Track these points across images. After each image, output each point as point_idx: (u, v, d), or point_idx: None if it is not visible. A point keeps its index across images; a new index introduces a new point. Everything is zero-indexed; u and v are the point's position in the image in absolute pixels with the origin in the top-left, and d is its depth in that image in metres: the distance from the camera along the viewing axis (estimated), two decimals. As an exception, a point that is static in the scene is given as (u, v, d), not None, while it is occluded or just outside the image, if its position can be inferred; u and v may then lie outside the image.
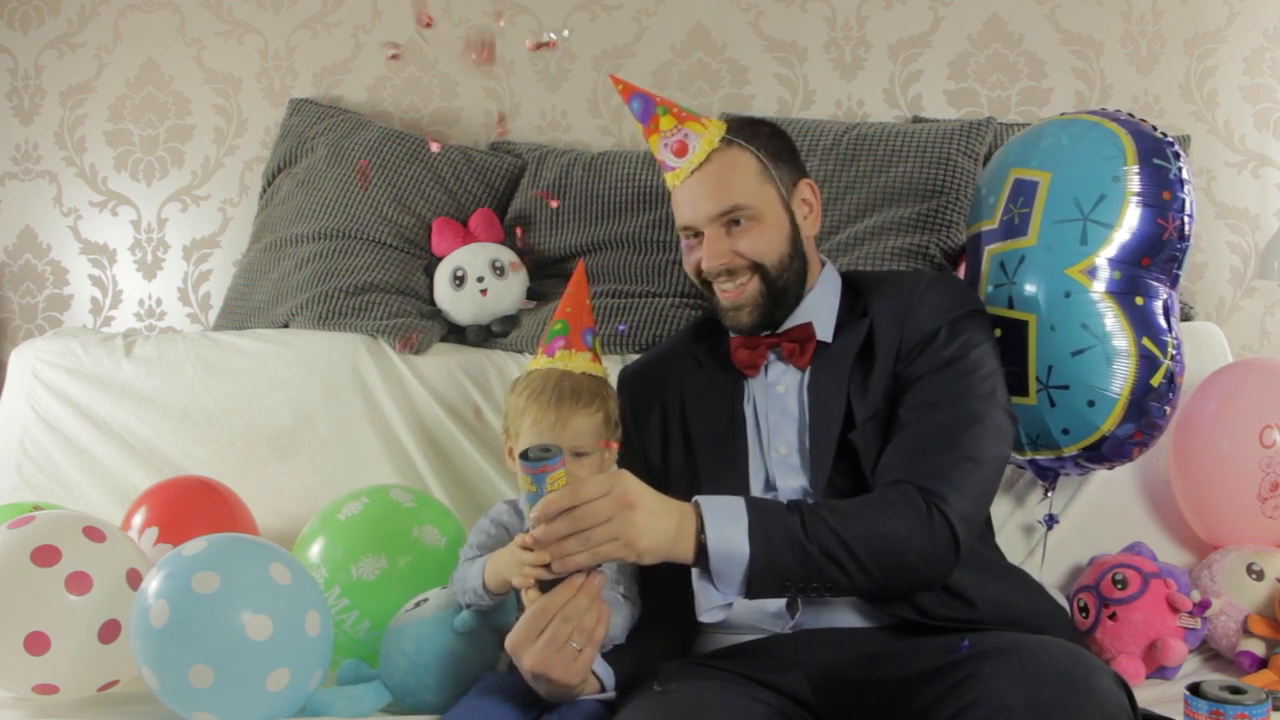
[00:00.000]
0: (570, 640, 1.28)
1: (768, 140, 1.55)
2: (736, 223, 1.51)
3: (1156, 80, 2.32)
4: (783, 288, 1.53)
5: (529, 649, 1.29)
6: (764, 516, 1.29)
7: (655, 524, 1.26)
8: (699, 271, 1.56)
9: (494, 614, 1.53)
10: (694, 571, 1.31)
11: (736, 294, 1.53)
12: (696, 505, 1.30)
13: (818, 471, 1.45)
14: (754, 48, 2.42)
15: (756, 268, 1.51)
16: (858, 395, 1.47)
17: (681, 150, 1.52)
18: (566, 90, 2.48)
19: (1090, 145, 1.67)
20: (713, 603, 1.29)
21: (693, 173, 1.51)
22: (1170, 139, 1.68)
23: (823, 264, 1.62)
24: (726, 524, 1.28)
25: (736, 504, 1.30)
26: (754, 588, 1.29)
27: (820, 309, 1.56)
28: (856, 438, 1.45)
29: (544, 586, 1.30)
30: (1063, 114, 1.81)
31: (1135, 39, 2.32)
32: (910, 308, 1.50)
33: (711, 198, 1.50)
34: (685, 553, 1.28)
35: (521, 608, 1.35)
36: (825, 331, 1.54)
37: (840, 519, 1.31)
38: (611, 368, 1.70)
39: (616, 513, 1.23)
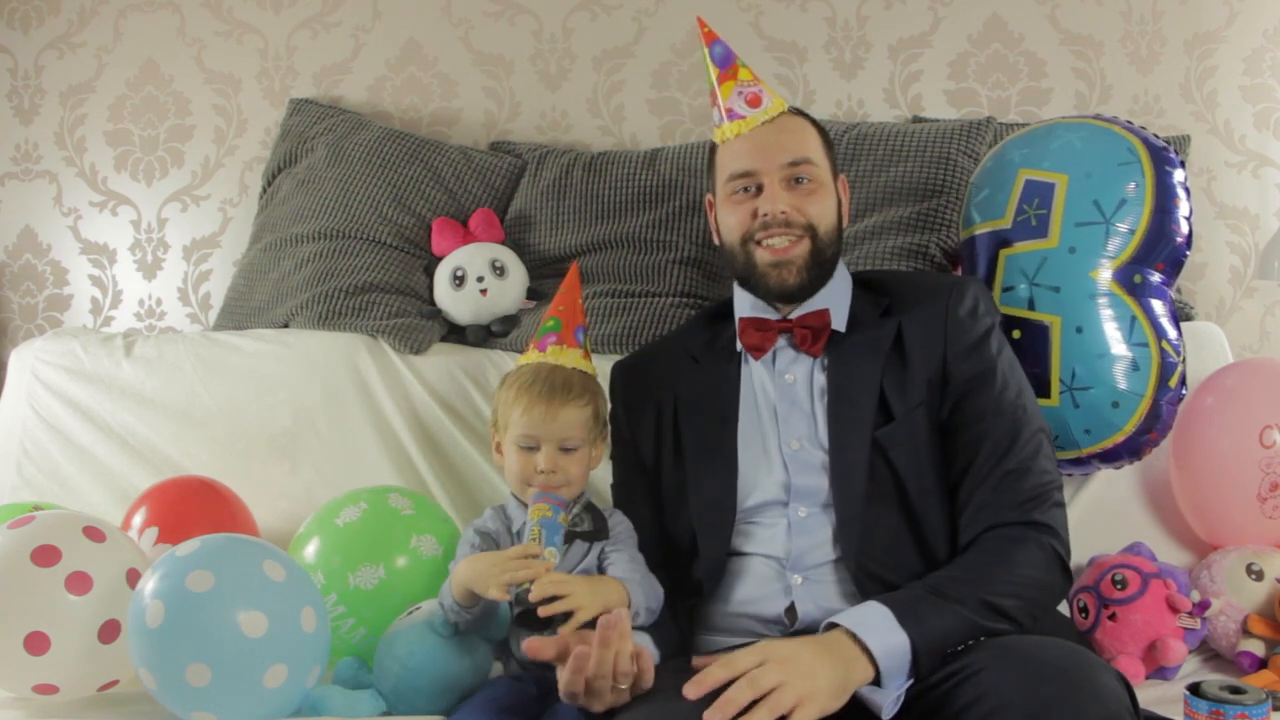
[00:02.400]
0: (617, 683, 1.26)
1: (821, 130, 1.60)
2: (798, 181, 1.53)
3: (1156, 80, 2.31)
4: (826, 260, 1.54)
5: (585, 700, 1.26)
6: (903, 605, 1.28)
7: (820, 665, 1.21)
8: (749, 224, 1.53)
9: (485, 628, 1.51)
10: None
11: (786, 250, 1.51)
12: (835, 625, 1.27)
13: (839, 470, 1.44)
14: (754, 47, 2.41)
15: (810, 230, 1.52)
16: (895, 394, 1.46)
17: (755, 101, 1.56)
18: (566, 90, 2.48)
19: (1105, 149, 1.69)
20: (887, 699, 1.24)
21: (763, 124, 1.55)
22: (1170, 147, 1.72)
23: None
24: (875, 625, 1.26)
25: (871, 606, 1.29)
26: (921, 668, 1.26)
27: (834, 300, 1.56)
28: (884, 436, 1.44)
29: (523, 619, 1.31)
30: (1064, 118, 1.82)
31: (1135, 39, 2.32)
32: (949, 313, 1.49)
33: (785, 148, 1.53)
34: (864, 672, 1.24)
35: (514, 619, 1.34)
36: (840, 322, 1.53)
37: (973, 577, 1.32)
38: (605, 366, 1.69)
39: (788, 676, 1.18)
